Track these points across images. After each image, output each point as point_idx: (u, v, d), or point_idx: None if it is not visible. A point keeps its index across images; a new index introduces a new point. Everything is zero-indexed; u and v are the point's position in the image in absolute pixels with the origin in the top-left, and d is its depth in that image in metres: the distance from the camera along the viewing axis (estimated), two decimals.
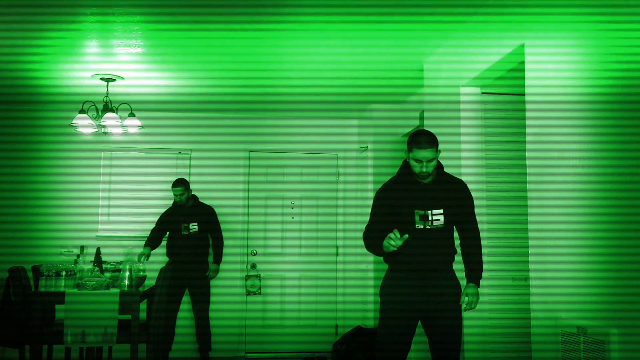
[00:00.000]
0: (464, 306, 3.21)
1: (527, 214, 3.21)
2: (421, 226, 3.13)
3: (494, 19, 3.61)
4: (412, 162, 3.11)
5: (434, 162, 3.12)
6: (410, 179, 3.21)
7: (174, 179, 6.07)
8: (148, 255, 5.60)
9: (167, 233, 5.89)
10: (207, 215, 5.94)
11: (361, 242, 6.22)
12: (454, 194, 3.22)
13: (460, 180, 3.34)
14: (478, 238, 3.30)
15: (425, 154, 3.07)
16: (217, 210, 6.10)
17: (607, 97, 2.57)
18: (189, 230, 5.80)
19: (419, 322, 3.25)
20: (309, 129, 6.79)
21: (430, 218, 3.14)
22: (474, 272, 3.23)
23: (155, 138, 6.56)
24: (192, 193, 6.03)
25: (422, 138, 3.09)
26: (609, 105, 2.56)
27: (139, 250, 5.71)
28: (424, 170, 3.10)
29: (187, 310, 6.06)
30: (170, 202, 6.05)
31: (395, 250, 3.13)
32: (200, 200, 6.06)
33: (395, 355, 3.17)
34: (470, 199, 3.30)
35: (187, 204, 5.84)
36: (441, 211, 3.15)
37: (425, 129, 3.22)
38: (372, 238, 3.22)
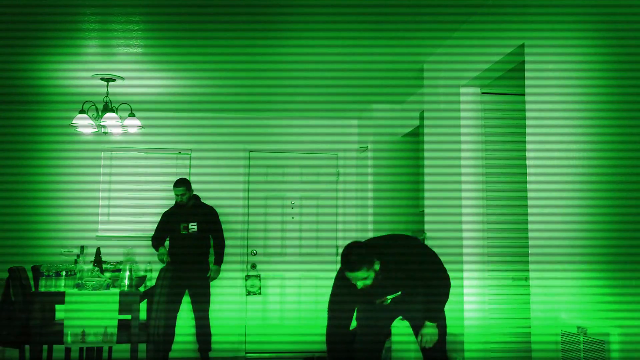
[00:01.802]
0: (419, 340, 3.31)
1: (527, 214, 3.21)
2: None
3: (494, 19, 3.61)
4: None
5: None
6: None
7: (174, 179, 6.07)
8: (165, 254, 5.65)
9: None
10: (208, 216, 5.94)
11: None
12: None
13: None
14: (447, 288, 3.25)
15: (355, 278, 2.99)
16: (217, 210, 6.10)
17: (607, 97, 2.57)
18: (188, 230, 5.79)
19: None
20: (309, 129, 6.79)
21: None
22: (434, 314, 3.28)
23: (155, 138, 6.56)
24: (194, 193, 6.02)
25: (346, 265, 2.99)
26: (609, 105, 2.56)
27: (139, 250, 5.72)
28: (359, 286, 3.04)
29: (187, 310, 6.06)
30: (171, 202, 6.05)
31: None
32: (202, 201, 6.06)
33: (371, 355, 3.31)
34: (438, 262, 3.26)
35: (188, 203, 5.83)
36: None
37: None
38: (338, 347, 3.24)
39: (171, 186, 5.93)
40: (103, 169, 6.52)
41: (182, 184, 5.76)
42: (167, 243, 5.93)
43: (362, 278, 2.96)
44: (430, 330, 3.27)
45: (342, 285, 3.13)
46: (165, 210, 5.98)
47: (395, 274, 3.10)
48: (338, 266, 6.62)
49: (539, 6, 3.10)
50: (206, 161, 6.63)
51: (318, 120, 6.80)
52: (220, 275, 6.20)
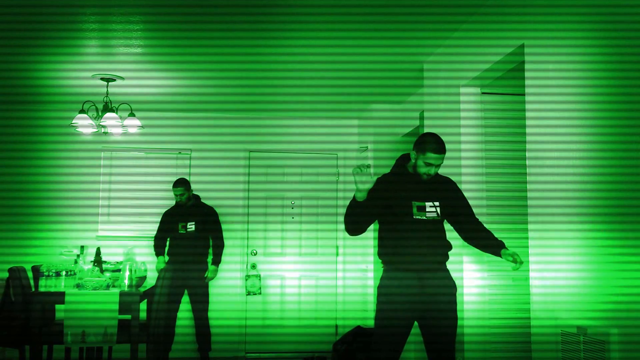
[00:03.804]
0: (516, 266, 3.13)
1: (527, 214, 3.21)
2: (419, 217, 3.17)
3: (494, 19, 3.61)
4: (420, 163, 3.15)
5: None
6: (406, 172, 3.27)
7: (174, 179, 6.07)
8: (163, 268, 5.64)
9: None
10: (207, 216, 5.93)
11: (361, 242, 6.26)
12: (447, 193, 3.30)
13: (451, 179, 3.42)
14: (482, 224, 3.38)
15: (439, 160, 3.14)
16: (217, 210, 6.10)
17: (607, 97, 2.57)
18: (186, 230, 5.79)
19: (415, 322, 3.25)
20: (309, 129, 6.79)
21: (427, 209, 3.19)
22: (499, 242, 3.24)
23: (155, 138, 6.56)
24: (194, 193, 6.02)
25: (439, 145, 3.13)
26: (609, 105, 2.56)
27: (139, 251, 5.72)
28: (431, 173, 3.16)
29: (187, 310, 6.06)
30: (171, 202, 6.05)
31: (394, 243, 3.15)
32: (202, 201, 6.07)
33: (390, 356, 3.17)
34: (463, 195, 3.39)
35: (187, 204, 5.84)
36: (437, 203, 3.21)
37: (432, 132, 3.28)
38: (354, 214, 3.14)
39: (171, 186, 5.94)
40: (103, 169, 6.52)
41: (181, 184, 5.77)
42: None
43: (439, 164, 3.15)
44: (509, 253, 3.15)
45: (397, 173, 3.27)
46: (166, 210, 5.98)
47: (437, 179, 3.25)
48: (338, 266, 6.65)
49: (539, 6, 3.10)
50: (206, 161, 6.63)
51: (318, 120, 6.80)
52: (221, 275, 6.20)
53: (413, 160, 3.19)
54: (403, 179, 3.26)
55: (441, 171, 3.46)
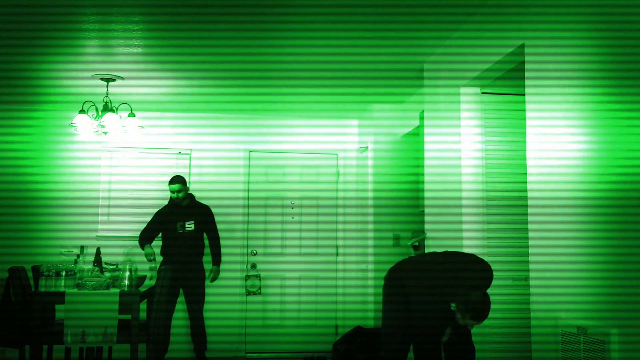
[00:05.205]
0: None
1: (527, 214, 3.21)
2: None
3: (494, 19, 3.61)
4: (459, 316, 3.11)
5: None
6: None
7: None
8: (154, 254, 5.59)
9: (160, 232, 5.85)
10: (205, 216, 5.91)
11: (361, 242, 6.25)
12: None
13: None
14: None
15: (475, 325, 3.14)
16: (217, 210, 6.10)
17: (607, 97, 2.57)
18: (185, 229, 5.77)
19: None
20: (309, 129, 6.79)
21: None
22: None
23: (155, 138, 6.56)
24: (189, 192, 5.99)
25: (484, 315, 3.08)
26: (609, 105, 2.56)
27: (139, 250, 5.70)
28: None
29: (182, 310, 6.05)
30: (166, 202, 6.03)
31: None
32: (198, 200, 6.05)
33: (397, 356, 3.22)
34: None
35: (183, 202, 5.80)
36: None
37: (487, 302, 3.14)
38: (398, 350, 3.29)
39: (168, 183, 5.88)
40: (103, 169, 6.52)
41: (179, 181, 5.70)
42: (156, 242, 5.87)
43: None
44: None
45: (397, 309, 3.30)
46: (158, 209, 5.93)
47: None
48: (338, 266, 6.65)
49: (539, 6, 3.10)
50: (206, 161, 6.64)
51: (318, 120, 6.80)
52: (220, 275, 6.19)
53: (453, 307, 3.12)
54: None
55: (440, 171, 3.45)
